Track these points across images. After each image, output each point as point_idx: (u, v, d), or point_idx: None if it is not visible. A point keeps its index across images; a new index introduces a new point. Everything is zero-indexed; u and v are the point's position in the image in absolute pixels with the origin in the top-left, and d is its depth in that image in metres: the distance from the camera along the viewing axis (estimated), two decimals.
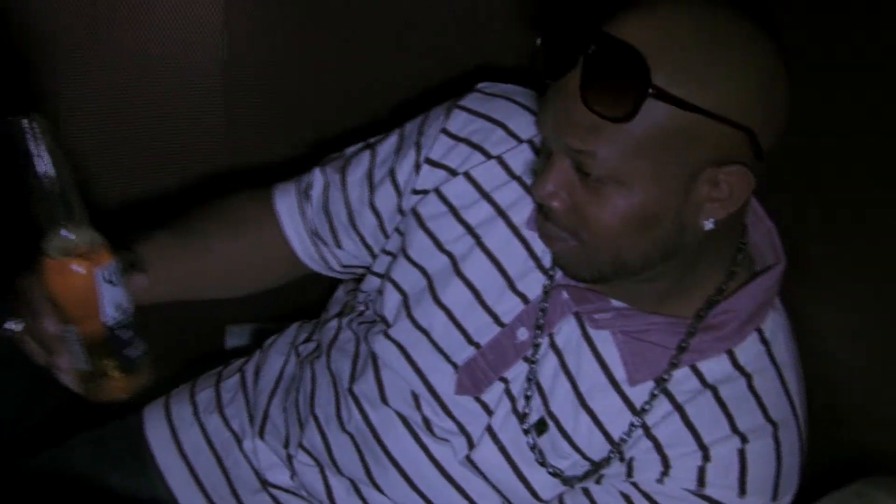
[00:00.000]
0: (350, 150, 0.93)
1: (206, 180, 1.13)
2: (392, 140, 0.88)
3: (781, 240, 0.79)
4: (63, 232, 0.69)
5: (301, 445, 0.89)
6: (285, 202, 0.92)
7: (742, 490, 0.74)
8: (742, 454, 0.74)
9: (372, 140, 0.91)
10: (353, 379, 0.87)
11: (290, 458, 0.90)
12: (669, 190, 0.67)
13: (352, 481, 0.88)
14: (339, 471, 0.88)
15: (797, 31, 0.80)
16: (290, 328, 0.99)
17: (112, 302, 0.71)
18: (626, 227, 0.68)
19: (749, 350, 0.77)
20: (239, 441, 0.93)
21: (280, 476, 0.92)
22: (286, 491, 0.92)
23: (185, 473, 0.94)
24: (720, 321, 0.75)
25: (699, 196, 0.67)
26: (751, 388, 0.76)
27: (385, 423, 0.85)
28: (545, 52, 0.68)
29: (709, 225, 0.69)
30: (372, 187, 0.88)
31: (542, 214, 0.73)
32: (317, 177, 0.92)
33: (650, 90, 0.63)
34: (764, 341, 0.77)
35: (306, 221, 0.92)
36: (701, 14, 0.67)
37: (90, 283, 0.70)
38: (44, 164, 0.66)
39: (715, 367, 0.76)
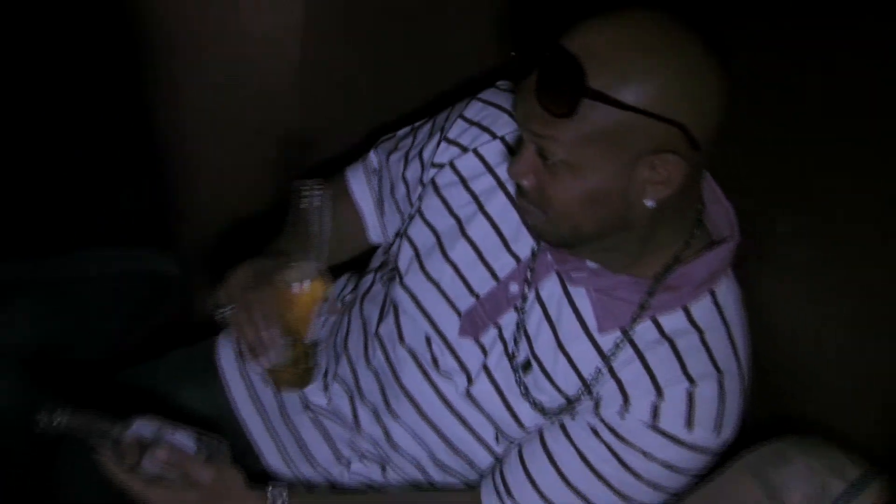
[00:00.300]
0: (400, 133, 1.07)
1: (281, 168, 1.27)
2: (427, 126, 1.03)
3: (740, 220, 0.89)
4: (311, 266, 0.89)
5: (336, 376, 1.05)
6: (356, 180, 1.08)
7: (689, 424, 0.85)
8: (691, 395, 0.85)
9: (416, 124, 1.06)
10: (378, 323, 1.00)
11: (326, 386, 1.05)
12: (614, 174, 0.77)
13: (374, 409, 1.02)
14: (363, 399, 1.02)
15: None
16: (340, 279, 1.15)
17: (319, 324, 0.92)
18: (579, 205, 0.79)
19: (703, 309, 0.87)
20: None
21: (319, 399, 1.06)
22: (323, 412, 1.07)
23: (244, 391, 1.10)
24: (677, 283, 0.86)
25: (640, 179, 0.77)
26: (702, 340, 0.86)
27: (401, 360, 0.98)
28: (517, 59, 0.79)
29: (650, 203, 0.79)
30: (406, 163, 1.03)
31: (518, 190, 0.85)
32: (371, 157, 1.08)
33: (587, 92, 0.73)
34: (716, 303, 0.88)
35: (373, 192, 1.07)
36: (643, 27, 0.77)
37: (315, 308, 0.90)
38: (319, 219, 0.88)
39: (672, 321, 0.87)
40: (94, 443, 0.88)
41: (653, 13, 0.78)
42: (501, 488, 0.94)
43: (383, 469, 1.04)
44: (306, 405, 1.07)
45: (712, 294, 0.88)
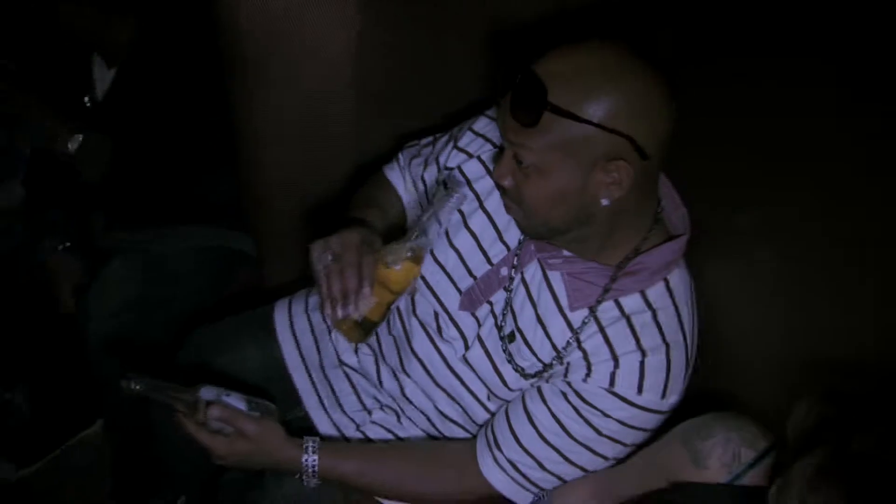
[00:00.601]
0: (423, 141, 1.24)
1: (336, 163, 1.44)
2: (445, 136, 1.19)
3: (694, 221, 1.02)
4: (413, 251, 1.01)
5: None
6: (392, 173, 1.26)
7: (640, 390, 0.98)
8: (642, 364, 0.98)
9: (437, 135, 1.22)
10: None
11: (357, 349, 1.23)
12: (573, 176, 0.91)
13: (392, 369, 1.18)
14: (384, 361, 1.19)
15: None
16: None
17: (399, 300, 1.07)
18: (547, 202, 0.93)
19: (657, 292, 1.00)
20: (329, 330, 1.27)
21: (350, 358, 1.24)
22: (353, 369, 1.24)
23: (293, 347, 1.28)
24: (636, 269, 0.99)
25: (596, 181, 0.91)
26: (654, 318, 0.99)
27: (414, 329, 1.13)
28: (500, 79, 0.93)
29: (605, 202, 0.92)
30: (426, 166, 1.19)
31: (501, 190, 0.99)
32: (400, 157, 1.26)
33: (548, 106, 0.87)
34: (668, 288, 1.01)
35: (407, 184, 1.24)
36: (600, 55, 0.90)
37: (404, 287, 1.03)
38: (437, 215, 1.02)
39: (631, 301, 1.00)
40: (169, 404, 1.05)
41: (611, 45, 0.91)
42: (492, 441, 1.08)
43: (398, 418, 1.20)
44: (340, 362, 1.25)
45: (666, 281, 1.01)
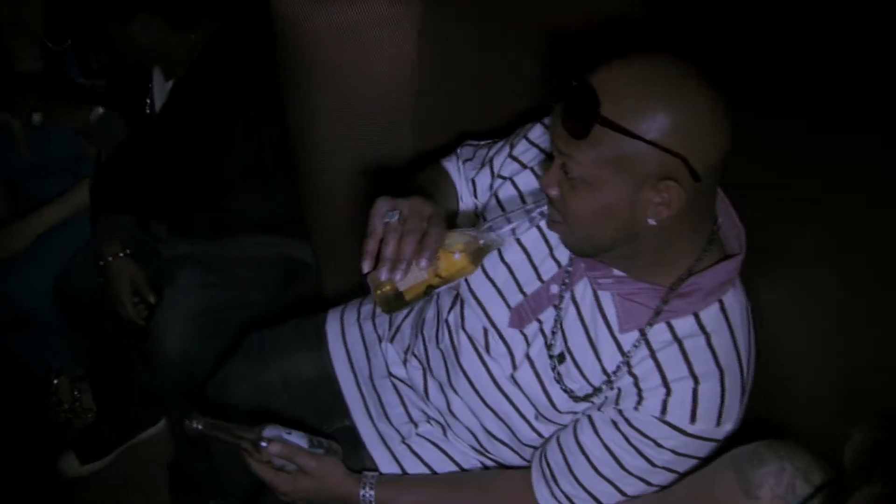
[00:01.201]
0: (481, 143, 1.21)
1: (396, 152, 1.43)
2: (501, 142, 1.16)
3: (753, 240, 0.97)
4: (479, 245, 0.97)
5: (413, 353, 1.21)
6: (451, 166, 1.22)
7: (693, 418, 0.94)
8: (695, 392, 0.94)
9: (494, 140, 1.19)
10: (448, 311, 1.15)
11: (406, 360, 1.22)
12: (622, 193, 0.87)
13: (439, 383, 1.16)
14: (432, 375, 1.17)
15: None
16: None
17: (444, 289, 1.00)
18: (592, 216, 0.89)
19: (711, 315, 0.96)
20: (380, 340, 1.27)
21: (399, 370, 1.23)
22: (401, 381, 1.24)
23: (343, 355, 1.29)
24: (689, 290, 0.95)
25: (644, 200, 0.86)
26: (708, 343, 0.95)
27: (462, 344, 1.11)
28: (555, 87, 0.89)
29: (653, 222, 0.88)
30: (479, 168, 1.16)
31: (548, 200, 0.96)
32: (458, 152, 1.23)
33: (600, 119, 0.83)
34: (723, 310, 0.96)
35: (461, 179, 1.20)
36: (658, 68, 0.85)
37: (455, 276, 0.97)
38: (511, 221, 0.97)
39: (684, 324, 0.96)
40: (234, 442, 1.09)
41: (669, 58, 0.87)
42: (548, 473, 1.05)
43: (444, 432, 1.19)
44: (389, 373, 1.25)
45: (720, 302, 0.96)
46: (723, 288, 0.97)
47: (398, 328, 1.27)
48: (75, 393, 1.89)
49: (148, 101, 1.63)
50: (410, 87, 1.33)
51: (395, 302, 0.97)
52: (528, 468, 1.10)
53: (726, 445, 0.96)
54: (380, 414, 1.24)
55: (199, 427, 1.07)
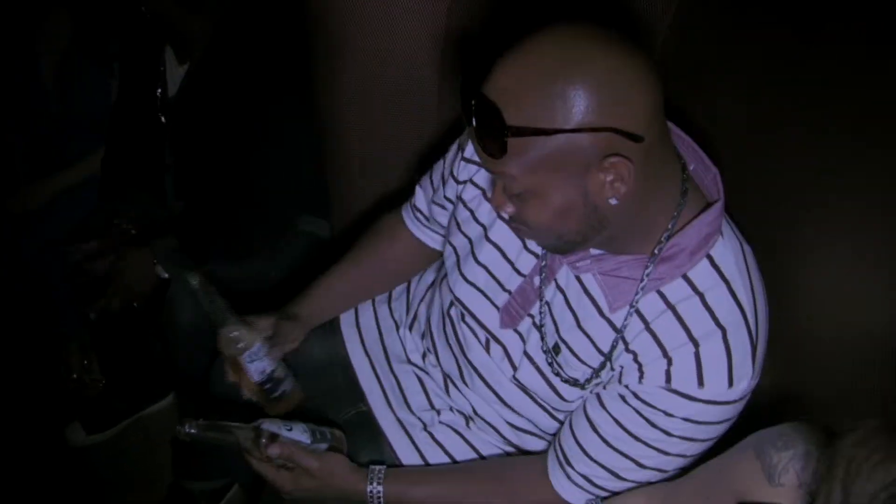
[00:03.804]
0: (434, 167, 1.18)
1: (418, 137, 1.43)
2: (455, 146, 1.12)
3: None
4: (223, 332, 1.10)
5: (428, 349, 1.18)
6: (411, 222, 1.23)
7: (700, 382, 0.88)
8: (697, 356, 0.88)
9: (445, 154, 1.15)
10: (451, 304, 1.11)
11: (424, 354, 1.19)
12: (570, 189, 0.81)
13: (454, 380, 1.14)
14: (447, 374, 1.15)
15: None
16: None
17: (256, 370, 1.14)
18: (552, 220, 0.84)
19: (702, 272, 0.89)
20: (397, 327, 1.23)
21: (417, 359, 1.20)
22: (420, 368, 1.20)
23: (357, 341, 1.26)
24: (672, 253, 0.88)
25: (595, 185, 0.80)
26: (703, 303, 0.88)
27: (466, 338, 1.08)
28: (461, 110, 0.82)
29: (614, 202, 0.82)
30: (443, 184, 1.13)
31: (508, 217, 0.89)
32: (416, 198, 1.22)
33: (510, 131, 0.76)
34: (714, 265, 0.89)
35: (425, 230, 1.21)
36: (550, 50, 0.77)
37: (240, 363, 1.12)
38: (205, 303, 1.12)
39: (675, 289, 0.90)
40: (232, 442, 1.05)
41: (561, 31, 0.78)
42: (561, 457, 1.01)
43: (467, 423, 1.15)
44: (408, 359, 1.21)
45: (709, 257, 0.90)
46: (708, 241, 0.90)
47: (415, 314, 1.24)
48: (85, 362, 1.88)
49: (160, 86, 1.62)
50: (440, 65, 1.31)
51: (271, 403, 1.18)
52: (543, 455, 1.07)
53: (746, 428, 0.90)
54: (399, 401, 1.21)
55: (193, 431, 1.03)
